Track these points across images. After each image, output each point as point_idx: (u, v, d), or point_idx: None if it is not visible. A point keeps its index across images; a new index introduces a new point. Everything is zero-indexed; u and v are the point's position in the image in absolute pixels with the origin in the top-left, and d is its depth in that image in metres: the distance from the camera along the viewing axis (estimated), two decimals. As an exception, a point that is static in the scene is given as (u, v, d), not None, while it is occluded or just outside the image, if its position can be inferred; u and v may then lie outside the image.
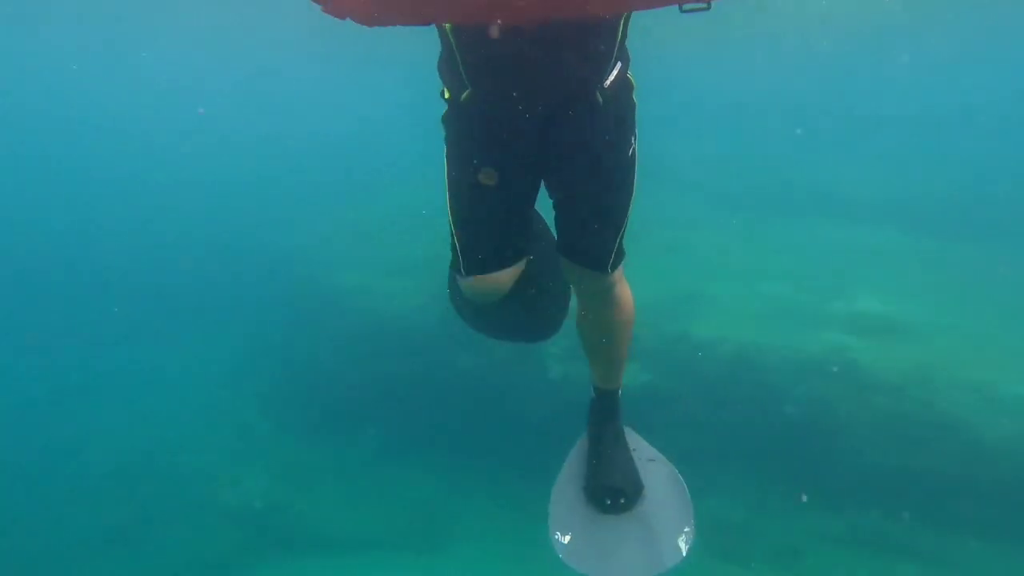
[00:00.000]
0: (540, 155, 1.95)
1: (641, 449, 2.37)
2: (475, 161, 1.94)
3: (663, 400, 6.20)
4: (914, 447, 5.33)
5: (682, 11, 1.40)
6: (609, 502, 2.18)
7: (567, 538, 2.11)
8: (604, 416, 2.30)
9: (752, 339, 6.13)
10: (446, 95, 1.96)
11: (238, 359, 8.92)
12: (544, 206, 2.25)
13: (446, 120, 2.00)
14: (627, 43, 1.91)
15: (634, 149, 2.00)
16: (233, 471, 7.09)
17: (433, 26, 1.73)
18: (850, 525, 5.37)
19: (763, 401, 5.82)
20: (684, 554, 2.12)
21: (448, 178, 2.05)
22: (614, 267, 2.13)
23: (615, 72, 1.88)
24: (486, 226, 2.04)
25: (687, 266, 7.38)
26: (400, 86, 13.38)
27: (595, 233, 2.04)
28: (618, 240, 2.07)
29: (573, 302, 2.47)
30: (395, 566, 5.92)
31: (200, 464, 7.29)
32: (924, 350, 5.81)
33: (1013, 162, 9.16)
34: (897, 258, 7.56)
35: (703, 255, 7.68)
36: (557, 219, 2.11)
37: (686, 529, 2.19)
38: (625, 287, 2.25)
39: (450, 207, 2.08)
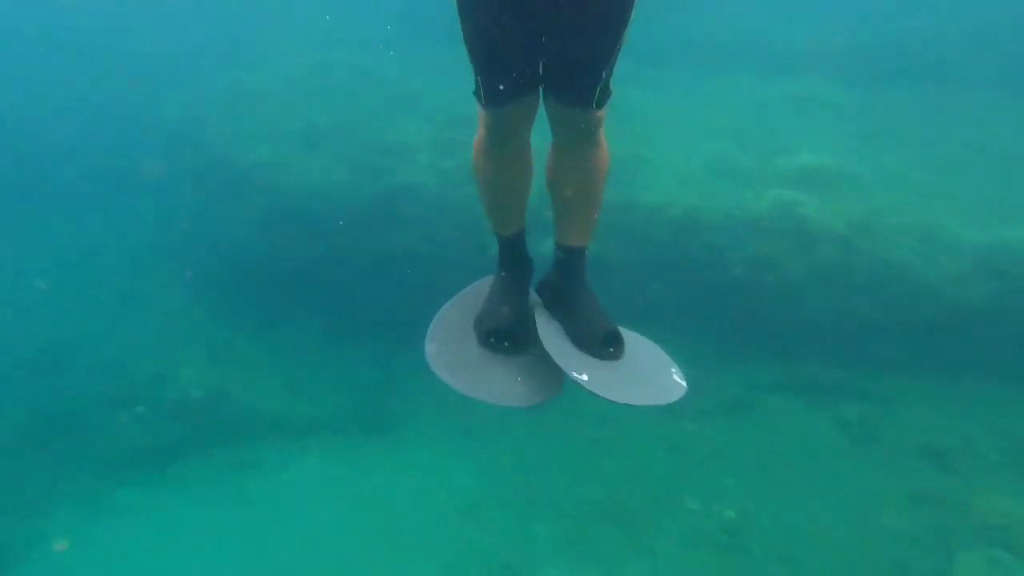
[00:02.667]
0: None
1: None
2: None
3: (613, 270, 6.09)
4: (859, 295, 5.49)
5: None
6: (612, 349, 2.27)
7: (584, 376, 2.17)
8: (574, 273, 2.33)
9: (698, 202, 5.99)
10: None
11: (149, 241, 8.13)
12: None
13: None
14: None
15: None
16: (164, 360, 6.73)
17: None
18: (796, 374, 5.61)
19: (712, 263, 5.80)
20: (685, 386, 2.26)
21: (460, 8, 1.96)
22: (600, 104, 2.08)
23: None
24: (500, 57, 1.99)
25: (625, 128, 7.04)
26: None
27: (582, 66, 2.00)
28: (606, 75, 2.03)
29: None
30: (344, 448, 5.90)
31: (127, 353, 6.80)
32: (867, 200, 5.86)
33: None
34: (833, 108, 7.49)
35: (639, 115, 7.32)
36: (544, 58, 2.06)
37: (673, 369, 2.33)
38: (604, 137, 2.22)
39: (464, 38, 2.00)
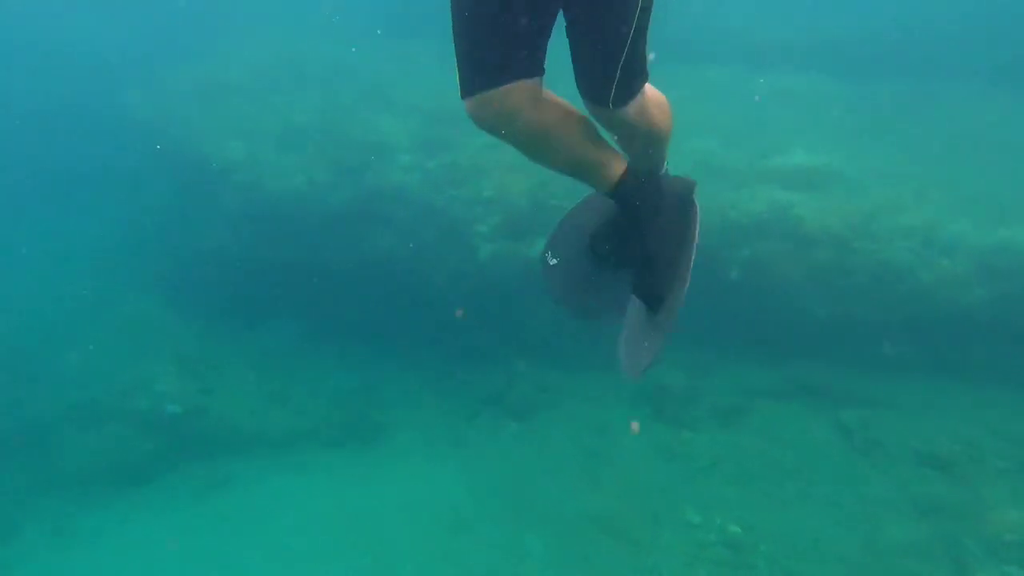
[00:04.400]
0: None
1: None
2: None
3: (606, 274, 5.88)
4: (857, 298, 5.38)
5: None
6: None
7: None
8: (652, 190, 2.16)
9: (693, 202, 5.80)
10: None
11: (118, 245, 7.72)
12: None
13: None
14: None
15: None
16: (136, 371, 6.41)
17: None
18: (792, 379, 5.49)
19: (706, 266, 5.63)
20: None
21: None
22: (618, 102, 1.92)
23: None
24: (487, 31, 1.75)
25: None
26: None
27: (594, 64, 1.89)
28: (618, 71, 1.87)
29: None
30: (326, 460, 5.67)
31: (95, 364, 6.45)
32: (864, 199, 5.73)
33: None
34: (821, 103, 7.36)
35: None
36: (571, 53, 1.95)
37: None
38: (649, 102, 2.04)
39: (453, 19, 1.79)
